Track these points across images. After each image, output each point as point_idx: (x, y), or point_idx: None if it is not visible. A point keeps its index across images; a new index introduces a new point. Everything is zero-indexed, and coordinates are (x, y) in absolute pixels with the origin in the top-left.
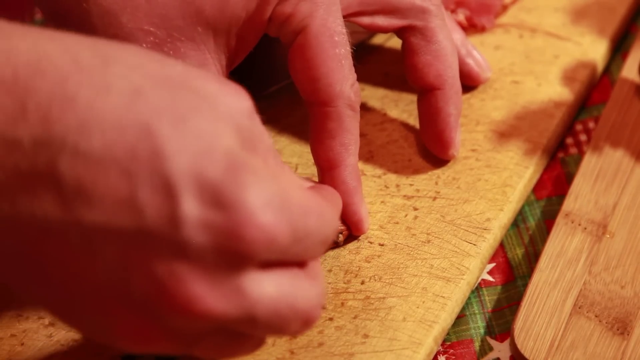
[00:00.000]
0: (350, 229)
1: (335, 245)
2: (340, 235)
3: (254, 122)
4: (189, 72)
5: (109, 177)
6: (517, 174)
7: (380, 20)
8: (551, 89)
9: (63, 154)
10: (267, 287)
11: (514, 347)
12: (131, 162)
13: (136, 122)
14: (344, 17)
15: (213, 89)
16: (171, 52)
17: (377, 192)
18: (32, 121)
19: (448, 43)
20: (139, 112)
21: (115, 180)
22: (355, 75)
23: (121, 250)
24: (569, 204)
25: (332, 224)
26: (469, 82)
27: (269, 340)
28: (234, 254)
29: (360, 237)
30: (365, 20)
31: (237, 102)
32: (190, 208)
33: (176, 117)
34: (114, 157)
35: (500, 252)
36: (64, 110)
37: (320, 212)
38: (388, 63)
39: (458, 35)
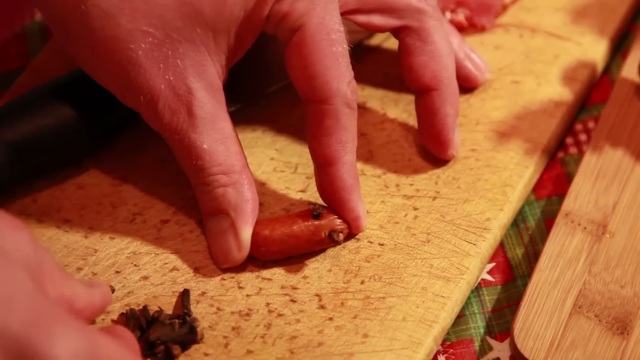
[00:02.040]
0: (350, 227)
1: (336, 243)
2: (340, 234)
3: (36, 248)
4: None
5: None
6: (517, 173)
7: (377, 20)
8: (551, 89)
9: None
10: None
11: (513, 346)
12: None
13: None
14: (341, 14)
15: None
16: (170, 52)
17: (377, 192)
18: None
19: (444, 44)
20: None
21: None
22: (352, 73)
23: None
24: (568, 203)
25: None
26: (468, 85)
27: (269, 340)
28: None
29: (360, 237)
30: (362, 18)
31: (18, 235)
32: None
33: None
34: None
35: (500, 251)
36: None
37: (122, 357)
38: (388, 63)
39: (456, 38)
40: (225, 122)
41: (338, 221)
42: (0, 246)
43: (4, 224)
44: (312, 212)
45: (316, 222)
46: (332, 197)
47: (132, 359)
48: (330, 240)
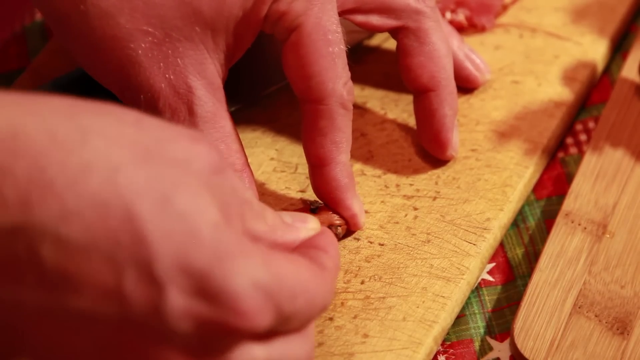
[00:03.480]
0: (348, 225)
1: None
2: (339, 229)
3: (226, 176)
4: (162, 132)
5: (92, 265)
6: (517, 173)
7: (375, 20)
8: (551, 89)
9: (44, 241)
10: (256, 356)
11: (513, 346)
12: (115, 250)
13: (118, 205)
14: (339, 13)
15: (185, 151)
16: (170, 51)
17: (377, 192)
18: (9, 207)
19: (442, 44)
20: (120, 194)
21: (99, 268)
22: (349, 74)
23: (109, 332)
24: (569, 203)
25: (321, 301)
26: (468, 86)
27: None
28: (221, 340)
29: (360, 237)
30: (360, 18)
31: (208, 159)
32: (176, 299)
33: (157, 197)
34: (97, 245)
35: (500, 252)
36: (43, 196)
37: (309, 290)
38: (387, 63)
39: (455, 39)
40: (225, 121)
41: (336, 216)
42: (189, 171)
43: (194, 147)
44: (310, 207)
45: (314, 217)
46: (328, 197)
47: (321, 289)
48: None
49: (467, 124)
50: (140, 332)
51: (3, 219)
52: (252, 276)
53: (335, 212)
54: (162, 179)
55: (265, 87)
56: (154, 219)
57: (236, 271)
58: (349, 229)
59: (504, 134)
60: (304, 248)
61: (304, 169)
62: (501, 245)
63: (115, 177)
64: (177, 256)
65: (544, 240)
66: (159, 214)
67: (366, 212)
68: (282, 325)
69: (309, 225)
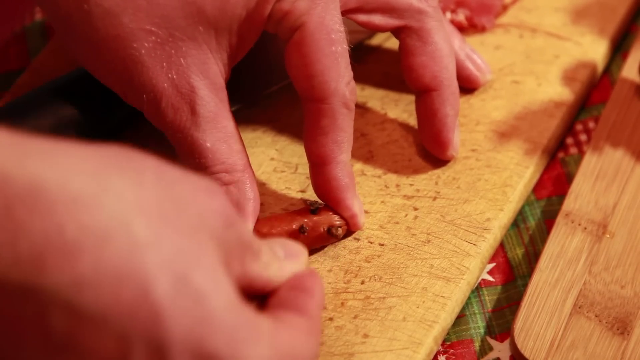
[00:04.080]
0: (348, 225)
1: (335, 238)
2: (339, 229)
3: (235, 227)
4: (181, 190)
5: (102, 337)
6: (517, 174)
7: (377, 19)
8: (551, 89)
9: (55, 307)
10: None
11: (514, 347)
12: (127, 325)
13: (135, 279)
14: (342, 12)
15: (202, 210)
16: (173, 51)
17: (377, 192)
18: (22, 265)
19: (444, 44)
20: (138, 268)
21: (108, 340)
22: (351, 74)
23: None
24: (569, 204)
25: (313, 358)
26: (469, 86)
27: None
28: None
29: (360, 237)
30: (362, 17)
31: (222, 215)
32: None
33: (175, 275)
34: (109, 317)
35: (500, 252)
36: (58, 259)
37: (305, 357)
38: (388, 63)
39: (457, 39)
40: (228, 121)
41: (336, 217)
42: (203, 219)
43: (205, 198)
44: (310, 208)
45: (315, 218)
46: (328, 196)
47: (313, 348)
48: (330, 236)
49: (467, 124)
50: None
51: (15, 277)
52: None
53: (335, 212)
54: (180, 254)
55: (266, 87)
56: (170, 297)
57: (248, 358)
58: (349, 229)
59: (504, 134)
60: (292, 290)
61: (304, 169)
62: (501, 245)
63: (134, 250)
64: (190, 338)
65: (544, 240)
66: (176, 293)
67: (366, 212)
68: None
69: (300, 259)
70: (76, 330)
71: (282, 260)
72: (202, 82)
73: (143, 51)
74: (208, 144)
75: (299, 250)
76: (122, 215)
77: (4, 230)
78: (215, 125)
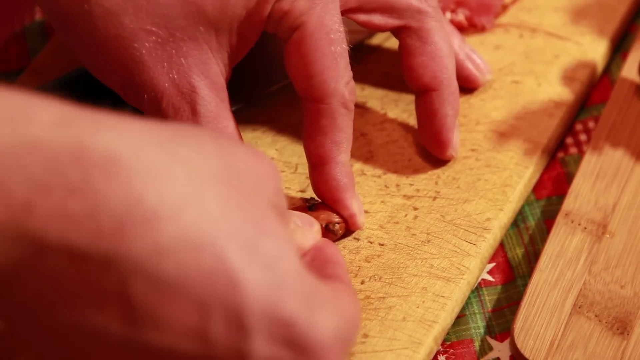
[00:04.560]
0: (347, 224)
1: (333, 234)
2: (337, 225)
3: (280, 193)
4: (238, 158)
5: (182, 305)
6: (517, 173)
7: (377, 19)
8: (551, 89)
9: (135, 277)
10: None
11: (514, 346)
12: (207, 292)
13: (211, 246)
14: (342, 12)
15: (257, 176)
16: (174, 51)
17: (377, 192)
18: (105, 236)
19: (444, 44)
20: (213, 235)
21: (188, 308)
22: (351, 74)
23: None
24: (569, 203)
25: (360, 323)
26: (469, 86)
27: None
28: None
29: (360, 237)
30: (362, 17)
31: (272, 180)
32: (261, 346)
33: (246, 242)
34: (189, 285)
35: (500, 251)
36: (139, 228)
37: (359, 321)
38: (388, 63)
39: (456, 39)
40: (228, 121)
41: (335, 215)
42: (259, 185)
43: (260, 169)
44: (306, 205)
45: (313, 215)
46: (327, 196)
47: (359, 312)
48: (328, 232)
49: (467, 124)
50: None
51: (97, 248)
52: (334, 328)
53: (334, 210)
54: (248, 221)
55: (265, 86)
56: (244, 264)
57: (322, 323)
58: (348, 228)
59: (504, 134)
60: (320, 263)
61: (304, 168)
62: (501, 245)
63: (208, 218)
64: (267, 303)
65: (544, 240)
66: (249, 260)
67: (366, 212)
68: None
69: (314, 228)
70: (157, 301)
71: (302, 228)
72: (202, 82)
73: (144, 51)
74: None
75: (312, 220)
76: (193, 184)
77: (84, 201)
78: (216, 125)
